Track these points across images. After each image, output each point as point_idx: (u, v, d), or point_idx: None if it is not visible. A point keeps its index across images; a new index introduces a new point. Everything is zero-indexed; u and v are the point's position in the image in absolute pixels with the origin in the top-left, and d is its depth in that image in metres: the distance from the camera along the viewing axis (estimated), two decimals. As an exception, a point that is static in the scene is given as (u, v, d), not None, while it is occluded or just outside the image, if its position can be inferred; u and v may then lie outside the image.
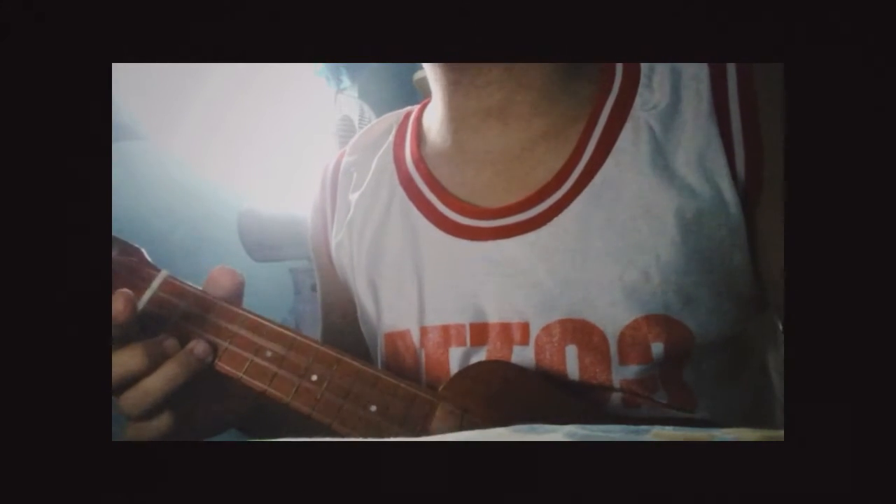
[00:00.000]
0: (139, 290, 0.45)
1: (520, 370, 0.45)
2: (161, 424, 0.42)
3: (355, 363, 0.43)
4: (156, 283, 0.45)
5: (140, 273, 0.46)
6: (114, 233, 0.48)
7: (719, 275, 0.45)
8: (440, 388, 0.44)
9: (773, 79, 0.44)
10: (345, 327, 0.60)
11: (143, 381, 0.41)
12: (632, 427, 0.26)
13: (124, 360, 0.40)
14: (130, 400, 0.41)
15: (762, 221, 0.45)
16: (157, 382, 0.41)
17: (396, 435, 0.41)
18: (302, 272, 1.47)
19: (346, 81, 1.57)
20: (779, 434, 0.24)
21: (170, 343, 0.43)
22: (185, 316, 0.45)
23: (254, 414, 0.49)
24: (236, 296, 0.47)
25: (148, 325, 0.44)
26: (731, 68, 0.45)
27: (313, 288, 1.45)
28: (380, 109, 1.42)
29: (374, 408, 0.42)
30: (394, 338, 0.52)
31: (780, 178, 0.43)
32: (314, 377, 0.43)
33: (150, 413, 0.41)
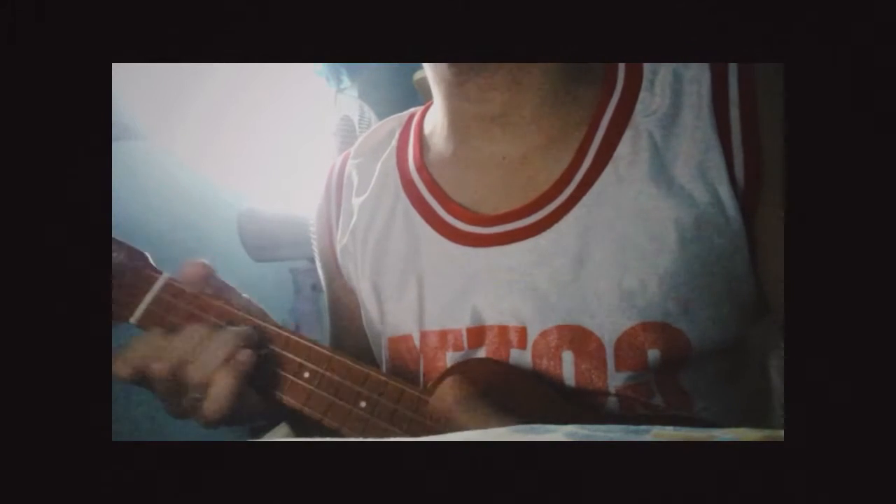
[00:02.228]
0: (142, 292, 0.47)
1: (510, 368, 0.45)
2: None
3: (346, 360, 0.44)
4: (157, 286, 0.47)
5: (143, 276, 0.48)
6: (114, 233, 0.48)
7: (720, 282, 0.44)
8: (428, 386, 0.44)
9: (775, 82, 0.43)
10: (353, 330, 0.60)
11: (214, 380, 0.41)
12: (632, 427, 0.26)
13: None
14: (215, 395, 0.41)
15: (761, 226, 0.44)
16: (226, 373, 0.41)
17: (385, 431, 0.42)
18: (302, 272, 1.47)
19: (346, 81, 1.56)
20: (779, 434, 0.24)
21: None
22: (185, 316, 0.46)
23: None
24: (209, 283, 0.48)
25: (150, 325, 0.46)
26: (733, 73, 0.45)
27: (313, 288, 1.45)
28: (380, 109, 1.42)
29: (363, 404, 0.43)
30: (397, 342, 0.52)
31: (778, 182, 0.43)
32: (307, 374, 0.44)
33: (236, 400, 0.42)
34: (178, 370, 0.42)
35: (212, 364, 0.41)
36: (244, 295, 0.49)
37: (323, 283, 0.65)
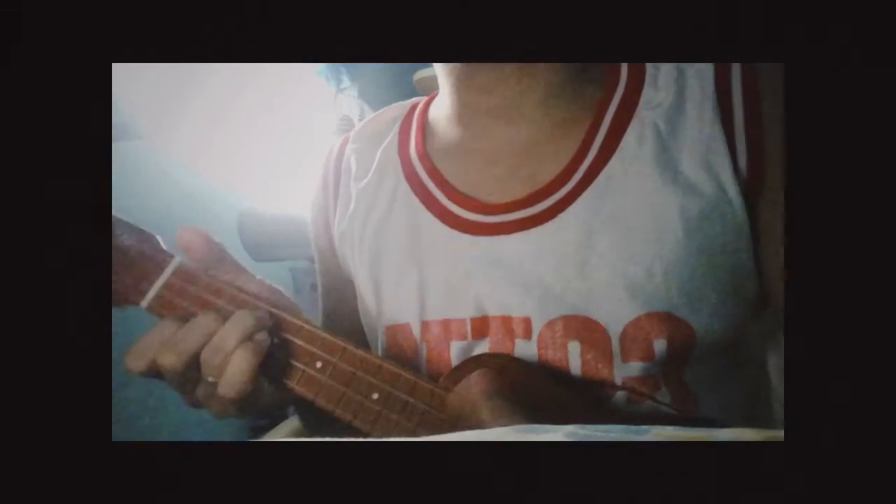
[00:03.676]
0: (153, 275, 0.46)
1: (520, 363, 0.45)
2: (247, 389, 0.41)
3: (359, 351, 0.44)
4: (169, 269, 0.46)
5: (154, 259, 0.47)
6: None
7: (724, 274, 0.44)
8: (441, 380, 0.44)
9: (777, 77, 0.44)
10: (346, 318, 0.60)
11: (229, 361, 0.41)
12: (632, 427, 0.26)
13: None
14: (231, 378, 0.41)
15: (764, 219, 0.45)
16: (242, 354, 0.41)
17: (396, 423, 0.42)
18: (302, 272, 1.47)
19: (346, 81, 1.56)
20: (779, 434, 0.24)
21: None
22: (197, 301, 0.45)
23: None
24: (218, 256, 0.47)
25: (161, 309, 0.45)
26: (736, 66, 0.45)
27: (313, 287, 1.45)
28: (380, 109, 1.41)
29: (375, 395, 0.43)
30: (394, 331, 0.52)
31: (780, 175, 0.43)
32: (319, 364, 0.44)
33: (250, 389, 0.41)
34: (191, 361, 0.41)
35: (229, 345, 0.41)
36: (258, 277, 0.48)
37: (317, 269, 0.64)
